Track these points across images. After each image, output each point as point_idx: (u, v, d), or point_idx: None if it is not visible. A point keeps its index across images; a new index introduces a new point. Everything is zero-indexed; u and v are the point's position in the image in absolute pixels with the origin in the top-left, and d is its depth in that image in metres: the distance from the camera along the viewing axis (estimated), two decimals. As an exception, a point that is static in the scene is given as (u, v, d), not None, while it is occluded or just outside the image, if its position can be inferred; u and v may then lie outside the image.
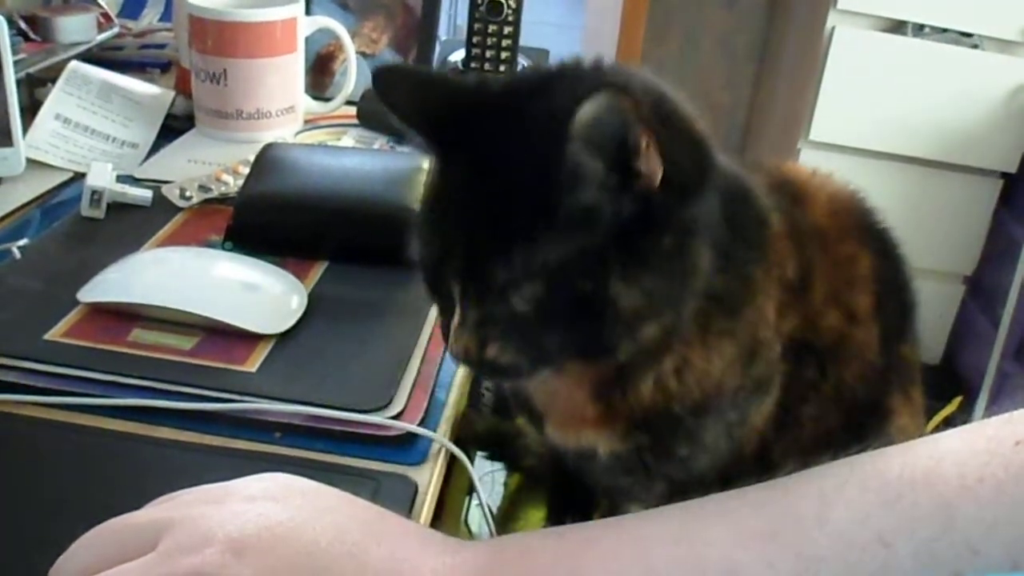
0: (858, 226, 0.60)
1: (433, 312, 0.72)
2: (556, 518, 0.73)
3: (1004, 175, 2.10)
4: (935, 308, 2.20)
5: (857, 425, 0.59)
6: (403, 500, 0.54)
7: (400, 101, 0.52)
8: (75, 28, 1.12)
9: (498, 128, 0.49)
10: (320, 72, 1.15)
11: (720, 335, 0.52)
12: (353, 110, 1.08)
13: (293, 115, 1.05)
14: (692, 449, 0.55)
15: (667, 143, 0.45)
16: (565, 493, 0.72)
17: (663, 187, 0.46)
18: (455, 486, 0.71)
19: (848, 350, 0.57)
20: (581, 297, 0.47)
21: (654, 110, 0.45)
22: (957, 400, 2.03)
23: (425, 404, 0.63)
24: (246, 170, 0.85)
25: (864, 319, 0.58)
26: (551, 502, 0.76)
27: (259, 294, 0.71)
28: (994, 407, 1.86)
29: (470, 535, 0.86)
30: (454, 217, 0.49)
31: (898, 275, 0.61)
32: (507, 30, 1.18)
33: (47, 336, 0.65)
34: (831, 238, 0.58)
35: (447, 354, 0.61)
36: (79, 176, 0.89)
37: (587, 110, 0.43)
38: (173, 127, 1.04)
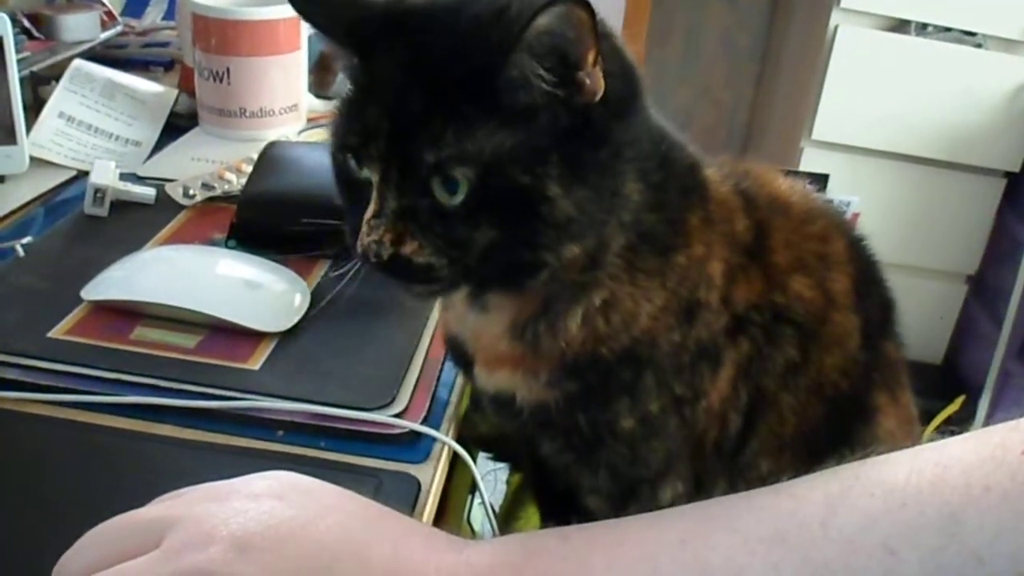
0: (826, 213, 0.60)
1: (436, 311, 0.72)
2: (548, 519, 0.72)
3: (1007, 174, 2.10)
4: (938, 307, 2.20)
5: (840, 425, 0.58)
6: (406, 498, 0.54)
7: (318, 11, 0.51)
8: (79, 26, 1.12)
9: (433, 29, 0.48)
10: (323, 70, 1.15)
11: (648, 275, 0.52)
12: (356, 108, 1.08)
13: (296, 113, 1.05)
14: (636, 418, 0.54)
15: (607, 61, 0.46)
16: (548, 494, 0.71)
17: (601, 103, 0.47)
18: (458, 484, 0.71)
19: (828, 334, 0.57)
20: (514, 193, 0.46)
21: (601, 27, 0.46)
22: (960, 399, 2.03)
23: (428, 402, 0.63)
24: (249, 168, 0.85)
25: (843, 305, 0.57)
26: (539, 504, 0.76)
27: (262, 292, 0.71)
28: (997, 407, 1.85)
29: (473, 533, 0.86)
30: (381, 103, 0.47)
31: (874, 269, 0.61)
32: (510, 29, 1.18)
33: (51, 334, 0.65)
34: (796, 212, 0.58)
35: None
36: (83, 174, 0.89)
37: (545, 18, 0.43)
38: (176, 125, 1.04)
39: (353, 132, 0.48)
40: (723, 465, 0.57)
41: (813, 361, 0.57)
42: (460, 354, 0.60)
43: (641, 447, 0.56)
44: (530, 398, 0.55)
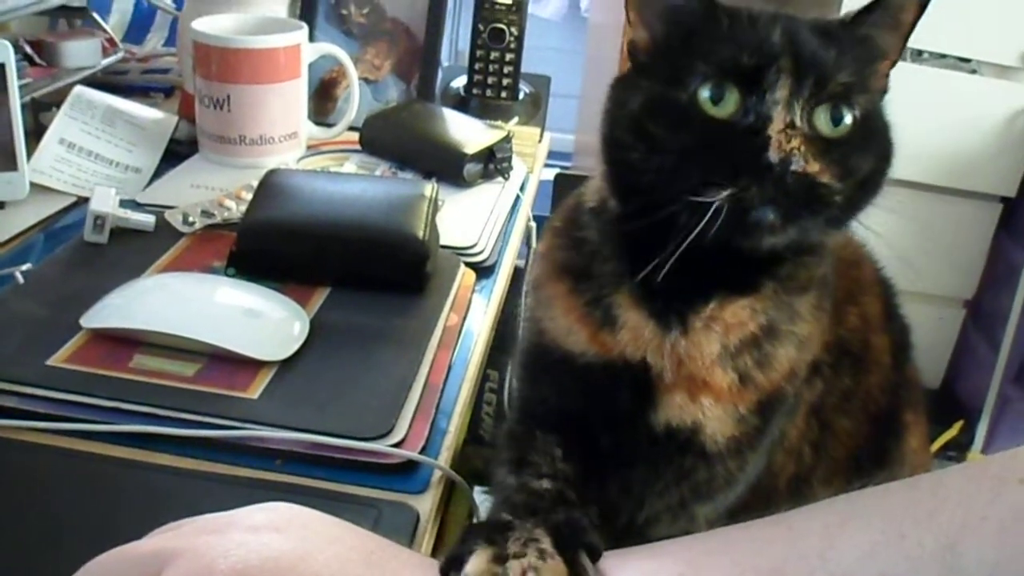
0: (850, 238, 0.61)
1: (435, 340, 0.72)
2: None
3: (1004, 199, 2.11)
4: (935, 332, 2.20)
5: (878, 443, 0.59)
6: (404, 528, 0.54)
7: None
8: (80, 53, 1.13)
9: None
10: (323, 98, 1.16)
11: (817, 309, 0.53)
12: (356, 136, 1.08)
13: (296, 141, 1.05)
14: (759, 455, 0.54)
15: None
16: None
17: None
18: (456, 514, 0.71)
19: (870, 356, 0.58)
20: (878, 136, 0.51)
21: None
22: (958, 424, 2.03)
23: (426, 432, 0.63)
24: (249, 196, 0.85)
25: (877, 327, 0.58)
26: None
27: (261, 320, 0.71)
28: (995, 431, 1.85)
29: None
30: (773, 35, 0.48)
31: (893, 293, 0.62)
32: (509, 56, 1.19)
33: (49, 361, 0.65)
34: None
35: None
36: (82, 201, 0.90)
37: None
38: (176, 152, 1.04)
39: (745, 53, 0.47)
40: (789, 503, 0.57)
41: (862, 384, 0.57)
42: (622, 381, 0.53)
43: (739, 487, 0.54)
44: (723, 433, 0.52)
